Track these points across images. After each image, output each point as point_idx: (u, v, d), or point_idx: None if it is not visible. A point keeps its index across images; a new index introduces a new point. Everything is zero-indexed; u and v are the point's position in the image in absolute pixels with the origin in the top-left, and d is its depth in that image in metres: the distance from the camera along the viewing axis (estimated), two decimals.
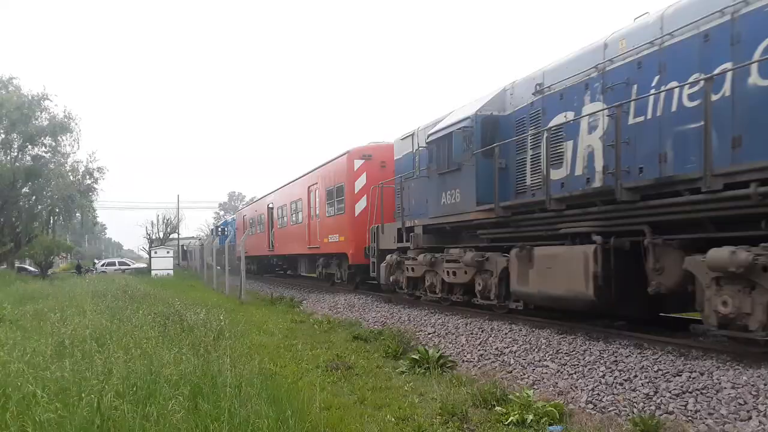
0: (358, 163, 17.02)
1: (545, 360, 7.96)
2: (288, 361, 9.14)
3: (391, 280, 14.90)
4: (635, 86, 8.04)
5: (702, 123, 6.62)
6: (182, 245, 62.26)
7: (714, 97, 6.60)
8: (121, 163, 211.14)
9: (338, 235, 17.47)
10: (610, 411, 6.15)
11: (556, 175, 9.36)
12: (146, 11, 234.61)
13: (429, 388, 7.33)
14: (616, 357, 7.30)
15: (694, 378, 6.21)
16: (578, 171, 8.98)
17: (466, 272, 11.33)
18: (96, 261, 61.59)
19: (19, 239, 38.79)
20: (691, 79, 7.12)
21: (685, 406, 5.80)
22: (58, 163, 38.34)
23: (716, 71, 6.71)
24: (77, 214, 40.55)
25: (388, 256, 14.89)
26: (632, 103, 7.93)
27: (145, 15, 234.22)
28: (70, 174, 38.61)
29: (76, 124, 38.14)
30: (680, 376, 6.34)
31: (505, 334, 9.46)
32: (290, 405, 5.37)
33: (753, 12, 6.47)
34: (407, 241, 13.90)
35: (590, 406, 6.38)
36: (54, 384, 4.97)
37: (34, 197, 38.65)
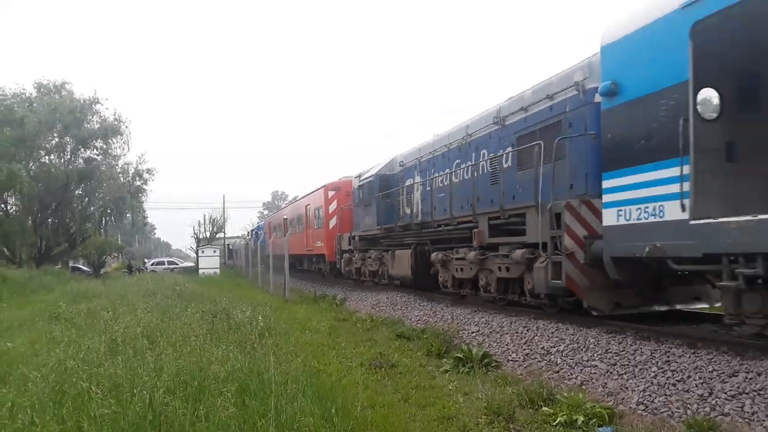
0: (330, 194, 24.23)
1: (594, 360, 7.77)
2: (332, 358, 9.20)
3: (346, 269, 22.39)
4: (432, 170, 15.14)
5: (447, 194, 13.75)
6: (228, 244, 63.55)
7: (455, 180, 13.59)
8: (169, 164, 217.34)
9: (320, 242, 24.87)
10: (662, 412, 5.95)
11: (406, 212, 16.85)
12: (192, 15, 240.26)
13: (473, 388, 7.25)
14: (668, 357, 7.07)
15: (751, 379, 5.96)
16: (412, 211, 16.34)
17: (374, 264, 19.54)
18: (146, 260, 63.47)
19: (73, 239, 40.37)
20: (446, 171, 14.14)
21: (742, 407, 5.57)
22: (109, 165, 39.72)
23: (453, 167, 13.79)
24: (128, 215, 41.90)
25: (345, 254, 22.45)
26: (428, 181, 15.12)
27: (192, 18, 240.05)
28: (120, 176, 39.97)
29: (126, 126, 39.51)
30: (736, 376, 6.09)
31: (552, 333, 9.28)
32: (335, 402, 5.41)
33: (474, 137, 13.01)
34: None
35: (641, 407, 6.20)
36: (107, 380, 5.13)
37: (86, 199, 40.11)
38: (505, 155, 11.46)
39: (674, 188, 6.94)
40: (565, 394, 6.36)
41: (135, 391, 4.70)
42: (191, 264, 54.99)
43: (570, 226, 8.71)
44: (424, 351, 9.66)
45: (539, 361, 8.45)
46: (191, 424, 4.40)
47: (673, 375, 6.59)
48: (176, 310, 10.23)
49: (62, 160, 38.75)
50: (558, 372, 7.88)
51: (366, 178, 19.82)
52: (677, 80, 6.94)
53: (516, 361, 8.81)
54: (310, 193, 27.90)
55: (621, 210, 7.80)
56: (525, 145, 10.52)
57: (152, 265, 56.47)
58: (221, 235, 66.01)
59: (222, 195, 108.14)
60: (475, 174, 12.45)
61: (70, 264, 47.30)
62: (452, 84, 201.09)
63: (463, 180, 13.17)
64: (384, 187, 18.19)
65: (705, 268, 7.21)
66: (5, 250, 37.64)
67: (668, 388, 6.37)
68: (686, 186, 6.79)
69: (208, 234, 65.04)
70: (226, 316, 10.02)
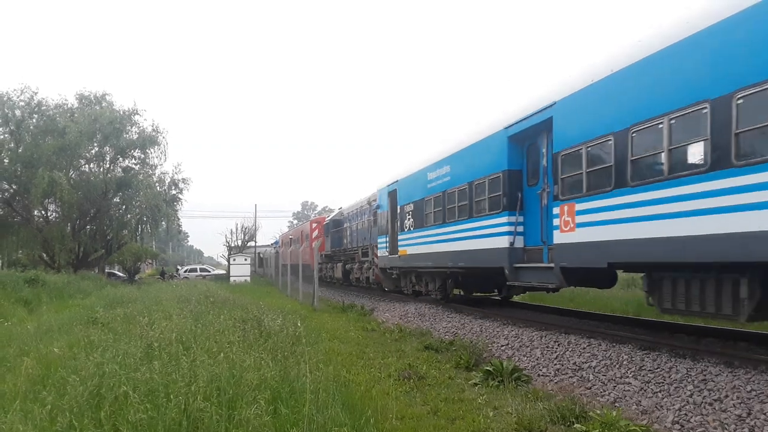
0: (314, 225, 38.68)
1: (627, 376, 7.64)
2: (360, 369, 9.22)
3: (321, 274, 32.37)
4: (351, 220, 28.49)
5: (355, 234, 27.71)
6: (259, 253, 64.26)
7: (357, 227, 27.24)
8: (204, 173, 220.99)
9: (308, 256, 29.73)
10: None
11: (343, 242, 30.08)
12: (228, 28, 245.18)
13: (503, 402, 7.19)
14: (704, 375, 6.91)
15: None
16: (344, 242, 29.66)
17: (330, 271, 33.15)
18: (179, 267, 64.58)
19: (109, 246, 41.34)
20: (354, 222, 28.00)
21: None
22: (147, 174, 40.67)
23: (357, 220, 27.42)
24: (163, 223, 42.74)
25: (320, 265, 31.94)
26: (349, 226, 28.66)
27: (228, 32, 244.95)
28: (157, 184, 40.87)
29: (164, 137, 40.50)
30: None
31: (583, 348, 9.15)
32: (365, 413, 5.43)
33: (363, 208, 26.15)
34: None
35: (677, 426, 6.07)
36: (144, 385, 5.24)
37: (123, 206, 41.12)
38: (367, 220, 24.80)
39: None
40: (598, 412, 6.26)
41: (171, 396, 4.79)
42: (223, 272, 55.76)
43: (375, 254, 22.39)
44: (452, 363, 9.62)
45: (571, 377, 8.34)
46: (225, 431, 4.48)
47: (709, 394, 6.44)
48: (209, 317, 10.38)
49: (101, 169, 39.87)
50: (590, 388, 7.76)
51: (329, 219, 34.74)
52: (386, 208, 20.69)
53: (547, 375, 8.70)
54: (303, 224, 48.70)
55: (382, 249, 21.28)
56: (366, 218, 25.01)
57: (185, 272, 57.42)
58: (252, 243, 66.80)
59: (254, 204, 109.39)
60: (361, 226, 26.09)
61: (106, 270, 48.43)
62: (473, 82, 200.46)
63: (359, 228, 26.50)
64: (336, 226, 31.78)
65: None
66: (44, 255, 38.79)
67: (705, 407, 6.23)
68: (387, 242, 20.61)
69: (239, 242, 65.91)
70: (258, 323, 10.13)
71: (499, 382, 8.18)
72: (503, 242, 12.02)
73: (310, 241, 33.76)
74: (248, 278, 40.49)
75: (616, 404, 6.98)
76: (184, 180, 43.06)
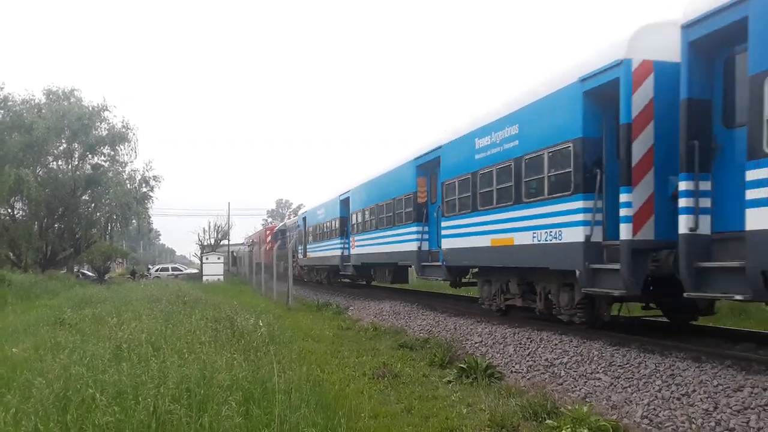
0: (268, 232, 46.53)
1: (598, 372, 7.74)
2: (335, 367, 9.19)
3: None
4: (288, 232, 38.56)
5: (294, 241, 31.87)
6: (232, 251, 63.58)
7: (291, 235, 35.13)
8: (175, 171, 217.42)
9: (265, 256, 32.19)
10: (666, 427, 5.93)
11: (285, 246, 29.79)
12: (198, 22, 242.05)
13: (477, 399, 7.23)
14: (672, 370, 7.04)
15: (756, 394, 5.92)
16: (285, 247, 27.95)
17: (280, 267, 27.81)
18: (150, 266, 63.54)
19: (78, 245, 40.54)
20: (292, 233, 35.96)
21: (747, 422, 5.53)
22: (116, 172, 39.98)
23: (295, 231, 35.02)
24: (133, 221, 42.16)
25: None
26: (289, 236, 35.39)
27: (198, 26, 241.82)
28: (127, 182, 40.22)
29: (134, 133, 39.84)
30: (741, 391, 6.05)
31: (555, 344, 9.26)
32: (338, 412, 5.41)
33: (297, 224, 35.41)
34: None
35: (646, 421, 6.17)
36: (112, 387, 5.14)
37: (93, 204, 40.40)
38: (297, 232, 33.33)
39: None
40: (569, 407, 6.34)
41: (139, 398, 4.71)
42: (195, 271, 55.05)
43: (297, 256, 31.38)
44: (427, 361, 9.65)
45: (543, 373, 8.43)
46: None
47: (677, 389, 6.55)
48: (180, 317, 10.24)
49: (70, 166, 39.09)
50: (562, 384, 7.85)
51: (277, 228, 44.58)
52: (302, 227, 32.97)
53: (519, 372, 8.78)
54: (263, 229, 58.55)
55: (300, 253, 31.88)
56: (296, 231, 33.99)
57: (156, 271, 56.56)
58: (226, 242, 66.04)
59: (227, 202, 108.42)
60: (296, 236, 32.69)
61: (75, 269, 47.46)
62: (453, 85, 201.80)
63: (293, 237, 32.74)
64: (281, 234, 40.03)
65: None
66: (11, 254, 37.85)
67: (673, 402, 6.35)
68: (302, 249, 31.91)
69: (212, 241, 65.08)
70: (230, 323, 10.03)
71: (473, 379, 8.22)
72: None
73: (265, 243, 40.89)
74: (221, 277, 40.00)
75: (587, 400, 7.07)
76: (155, 177, 42.49)
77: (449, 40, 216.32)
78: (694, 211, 6.96)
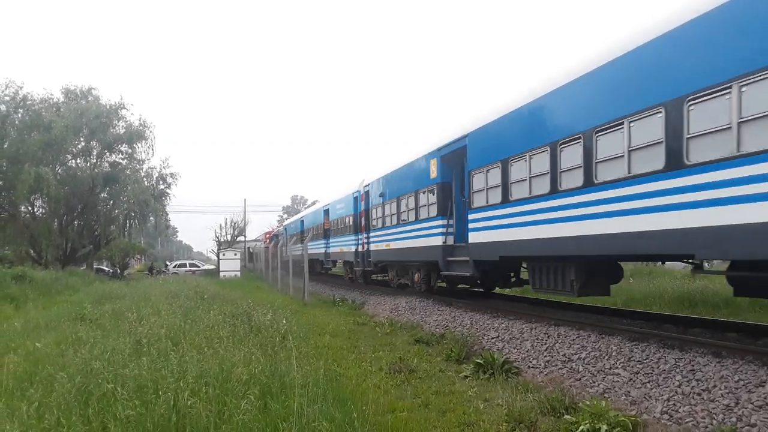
0: (268, 234, 62.30)
1: (616, 368, 7.68)
2: (351, 362, 9.21)
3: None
4: (286, 232, 45.16)
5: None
6: (248, 247, 64.02)
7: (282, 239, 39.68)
8: (193, 168, 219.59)
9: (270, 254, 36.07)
10: (687, 422, 5.86)
11: (284, 249, 29.01)
12: (218, 22, 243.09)
13: (494, 394, 7.21)
14: (693, 366, 6.96)
15: None
16: (286, 248, 27.95)
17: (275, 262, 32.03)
18: (168, 263, 64.13)
19: (97, 242, 41.03)
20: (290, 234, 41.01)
21: None
22: (134, 169, 40.35)
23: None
24: (151, 218, 42.48)
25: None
26: (287, 238, 36.99)
27: (217, 25, 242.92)
28: (145, 179, 40.59)
29: (151, 131, 40.16)
30: (763, 386, 5.97)
31: (573, 340, 9.19)
32: (355, 407, 5.42)
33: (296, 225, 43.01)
34: None
35: (665, 416, 6.11)
36: (132, 381, 5.19)
37: (111, 202, 40.79)
38: (283, 237, 41.38)
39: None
40: (588, 403, 6.29)
41: (159, 392, 4.75)
42: (212, 267, 55.49)
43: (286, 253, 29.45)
44: (443, 356, 9.63)
45: (560, 369, 8.38)
46: (215, 427, 4.45)
47: (698, 384, 6.48)
48: (199, 313, 10.33)
49: (88, 164, 39.52)
50: (580, 380, 7.80)
51: (273, 233, 54.98)
52: (284, 234, 45.53)
53: (537, 367, 8.74)
54: (263, 234, 68.01)
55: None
56: (284, 236, 42.36)
57: (174, 267, 57.10)
58: (242, 238, 66.52)
59: (243, 199, 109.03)
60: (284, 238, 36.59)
61: (94, 265, 48.05)
62: (461, 79, 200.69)
63: (284, 239, 35.70)
64: (276, 237, 44.71)
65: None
66: (32, 251, 38.42)
67: (693, 397, 6.27)
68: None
69: (229, 237, 65.57)
70: (248, 318, 10.09)
71: (489, 374, 8.20)
72: (438, 240, 15.83)
73: (266, 244, 48.73)
74: (238, 273, 40.33)
75: (606, 395, 7.01)
76: (172, 175, 42.84)
77: (468, 40, 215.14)
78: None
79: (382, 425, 5.73)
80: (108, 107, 38.62)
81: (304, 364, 6.90)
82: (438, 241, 15.18)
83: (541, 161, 10.17)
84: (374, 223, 21.32)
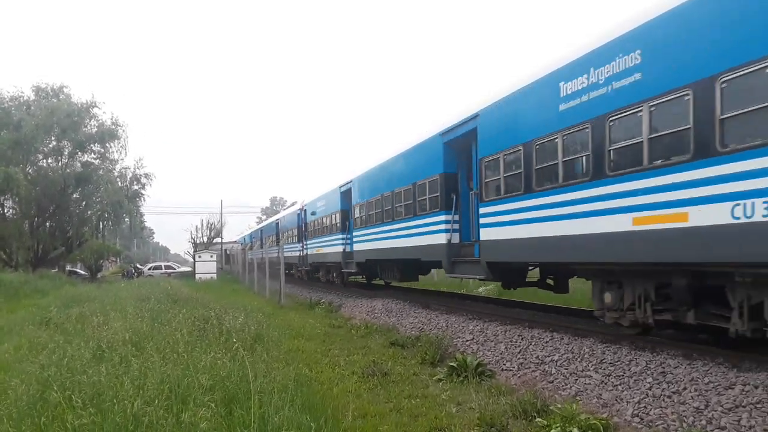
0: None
1: (588, 370, 7.66)
2: (325, 366, 9.07)
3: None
4: (260, 234, 47.41)
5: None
6: (225, 249, 63.32)
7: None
8: (168, 169, 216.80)
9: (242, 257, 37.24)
10: (657, 425, 5.85)
11: (257, 251, 38.77)
12: (191, 19, 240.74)
13: (467, 397, 7.14)
14: (663, 368, 6.96)
15: (747, 391, 5.86)
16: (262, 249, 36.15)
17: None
18: (138, 266, 63.08)
19: (70, 243, 40.16)
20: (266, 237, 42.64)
21: (739, 421, 5.47)
22: (107, 170, 39.61)
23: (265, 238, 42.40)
24: (125, 219, 41.77)
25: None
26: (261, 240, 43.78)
27: (191, 23, 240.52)
28: (118, 180, 39.85)
29: (124, 131, 39.39)
30: (733, 389, 5.99)
31: (546, 342, 9.18)
32: (324, 412, 5.29)
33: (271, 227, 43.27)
34: None
35: (636, 419, 6.09)
36: (90, 388, 5.00)
37: (84, 203, 39.98)
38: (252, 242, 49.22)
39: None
40: (560, 405, 6.25)
41: (116, 399, 4.57)
42: (189, 269, 54.73)
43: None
44: (418, 359, 9.54)
45: (533, 371, 8.34)
46: None
47: (668, 386, 6.48)
48: (167, 316, 10.08)
49: (60, 164, 38.66)
50: (552, 382, 7.76)
51: (259, 229, 51.12)
52: (248, 241, 53.84)
53: (510, 370, 8.69)
54: (251, 231, 60.57)
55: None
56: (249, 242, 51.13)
57: (149, 269, 56.21)
58: (219, 240, 65.74)
59: (220, 200, 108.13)
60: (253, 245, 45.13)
61: (68, 268, 47.08)
62: (446, 84, 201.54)
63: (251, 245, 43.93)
64: (255, 239, 47.62)
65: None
66: (2, 253, 37.48)
67: (664, 399, 6.27)
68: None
69: (205, 239, 64.73)
70: (218, 321, 9.87)
71: (463, 377, 8.13)
72: (442, 238, 13.86)
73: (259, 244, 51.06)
74: (214, 275, 39.78)
75: (578, 397, 6.98)
76: (146, 175, 42.11)
77: (450, 38, 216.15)
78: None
79: (352, 430, 5.61)
80: (80, 105, 37.83)
81: (274, 368, 6.75)
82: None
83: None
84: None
